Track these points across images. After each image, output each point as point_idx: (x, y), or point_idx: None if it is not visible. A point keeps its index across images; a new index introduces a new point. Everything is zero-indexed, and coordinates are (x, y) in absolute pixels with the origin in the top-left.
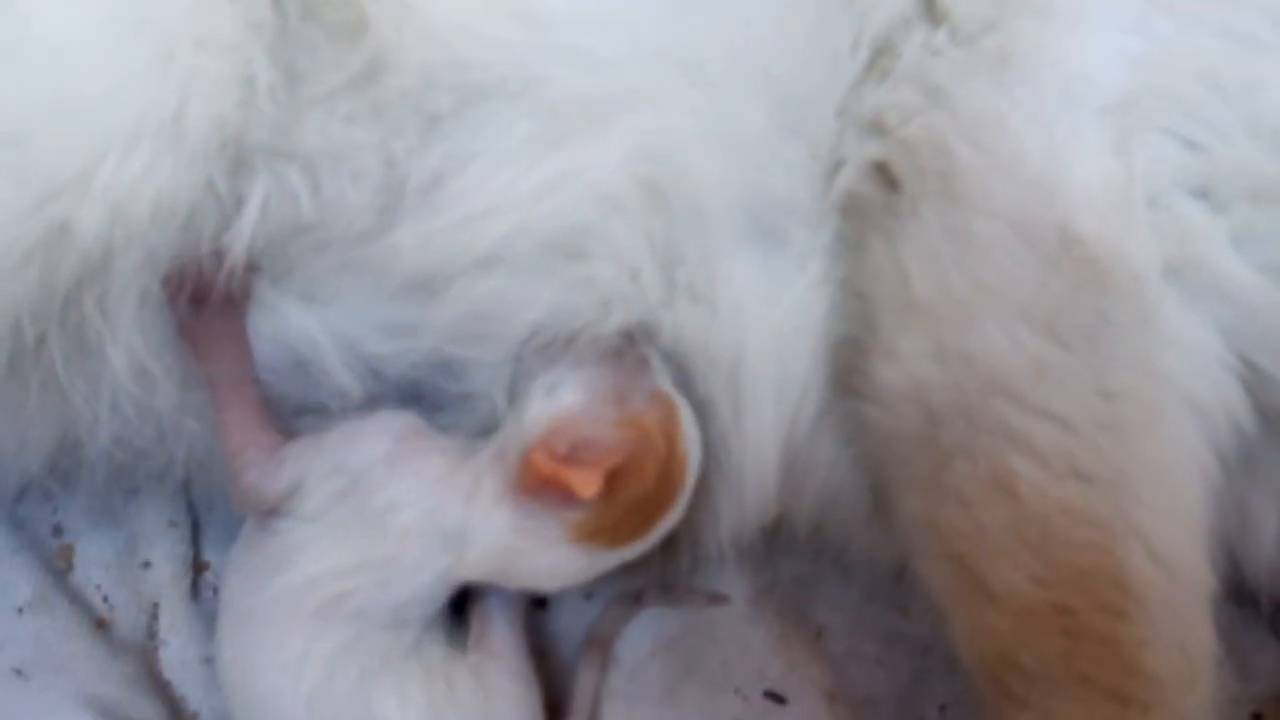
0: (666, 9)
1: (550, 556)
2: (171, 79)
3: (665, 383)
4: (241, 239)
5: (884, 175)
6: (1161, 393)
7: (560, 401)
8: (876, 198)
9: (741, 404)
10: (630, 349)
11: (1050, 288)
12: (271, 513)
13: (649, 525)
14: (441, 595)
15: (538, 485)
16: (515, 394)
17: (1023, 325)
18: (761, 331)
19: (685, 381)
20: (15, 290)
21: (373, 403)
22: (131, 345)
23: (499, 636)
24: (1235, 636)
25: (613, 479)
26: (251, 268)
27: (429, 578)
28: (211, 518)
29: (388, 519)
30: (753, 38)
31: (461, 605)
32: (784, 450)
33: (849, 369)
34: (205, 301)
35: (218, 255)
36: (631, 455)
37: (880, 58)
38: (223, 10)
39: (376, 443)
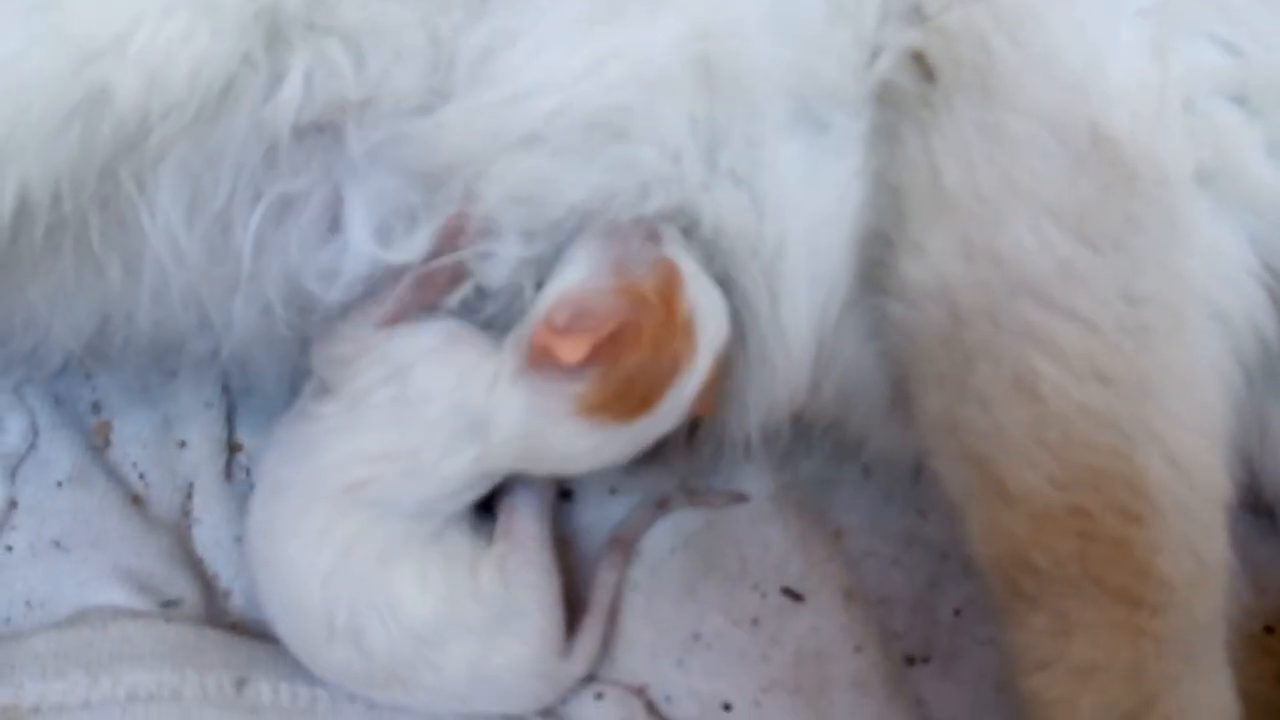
0: None
1: (562, 433)
2: None
3: (676, 251)
4: (285, 113)
5: (921, 65)
6: (1187, 299)
7: (566, 277)
8: (912, 88)
9: (779, 293)
10: (641, 221)
11: (1080, 188)
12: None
13: (654, 395)
14: (472, 488)
15: (537, 359)
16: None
17: (1051, 224)
18: (800, 219)
19: (721, 269)
20: (55, 155)
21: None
22: (170, 223)
23: (524, 528)
24: (1251, 549)
25: (609, 346)
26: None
27: (455, 470)
28: (247, 400)
29: (419, 410)
30: None
31: (489, 502)
32: (819, 348)
33: (877, 264)
34: None
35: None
36: (625, 322)
37: None
38: None
39: (426, 339)
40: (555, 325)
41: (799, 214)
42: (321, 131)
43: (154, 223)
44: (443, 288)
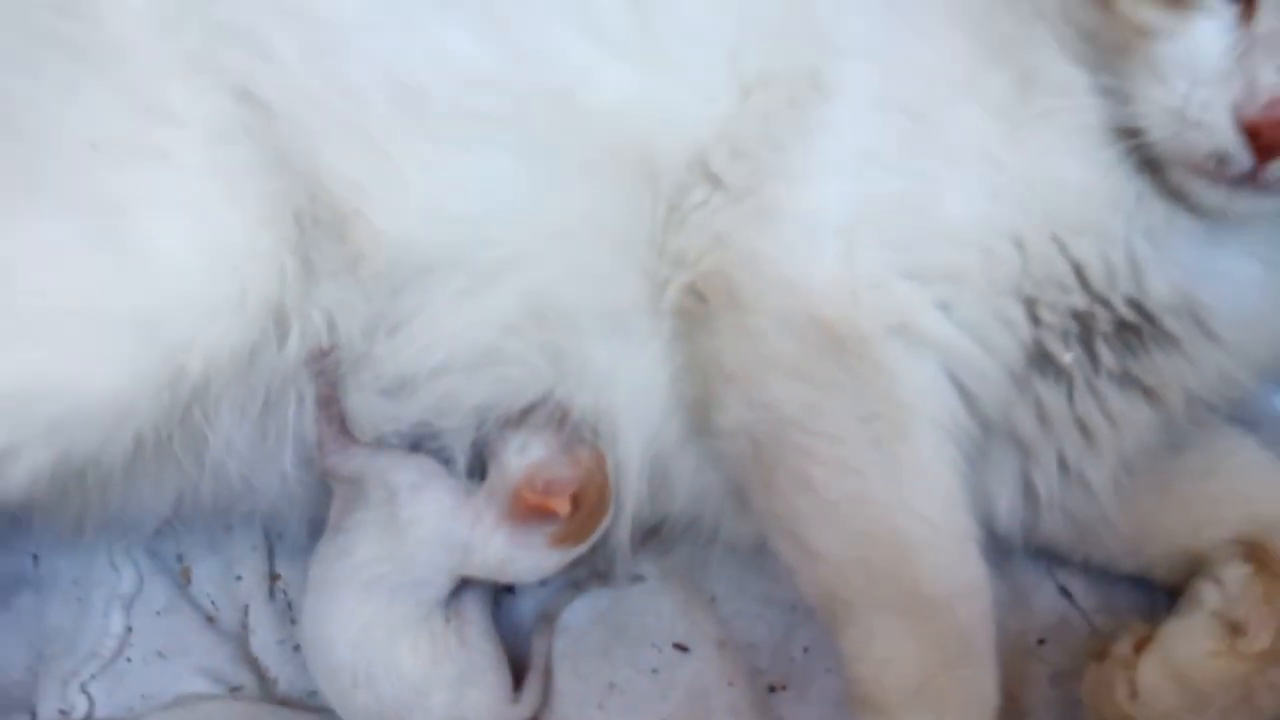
0: (546, 201)
1: (535, 558)
2: (237, 278)
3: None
4: (291, 357)
5: (695, 292)
6: (905, 413)
7: (530, 455)
8: (693, 307)
9: (615, 444)
10: (564, 418)
11: (808, 354)
12: (348, 487)
13: (597, 526)
14: (447, 585)
15: (528, 512)
16: (490, 453)
17: (795, 381)
18: (622, 393)
19: (576, 431)
20: (154, 410)
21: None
22: (226, 431)
23: (470, 607)
24: (1019, 580)
25: (575, 499)
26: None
27: (436, 571)
28: (282, 544)
29: (409, 529)
30: (597, 206)
31: None
32: (650, 472)
33: (704, 418)
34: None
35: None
36: (583, 484)
37: (672, 212)
38: (265, 232)
39: (408, 473)
40: (536, 488)
41: (621, 390)
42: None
43: (214, 433)
44: (334, 413)
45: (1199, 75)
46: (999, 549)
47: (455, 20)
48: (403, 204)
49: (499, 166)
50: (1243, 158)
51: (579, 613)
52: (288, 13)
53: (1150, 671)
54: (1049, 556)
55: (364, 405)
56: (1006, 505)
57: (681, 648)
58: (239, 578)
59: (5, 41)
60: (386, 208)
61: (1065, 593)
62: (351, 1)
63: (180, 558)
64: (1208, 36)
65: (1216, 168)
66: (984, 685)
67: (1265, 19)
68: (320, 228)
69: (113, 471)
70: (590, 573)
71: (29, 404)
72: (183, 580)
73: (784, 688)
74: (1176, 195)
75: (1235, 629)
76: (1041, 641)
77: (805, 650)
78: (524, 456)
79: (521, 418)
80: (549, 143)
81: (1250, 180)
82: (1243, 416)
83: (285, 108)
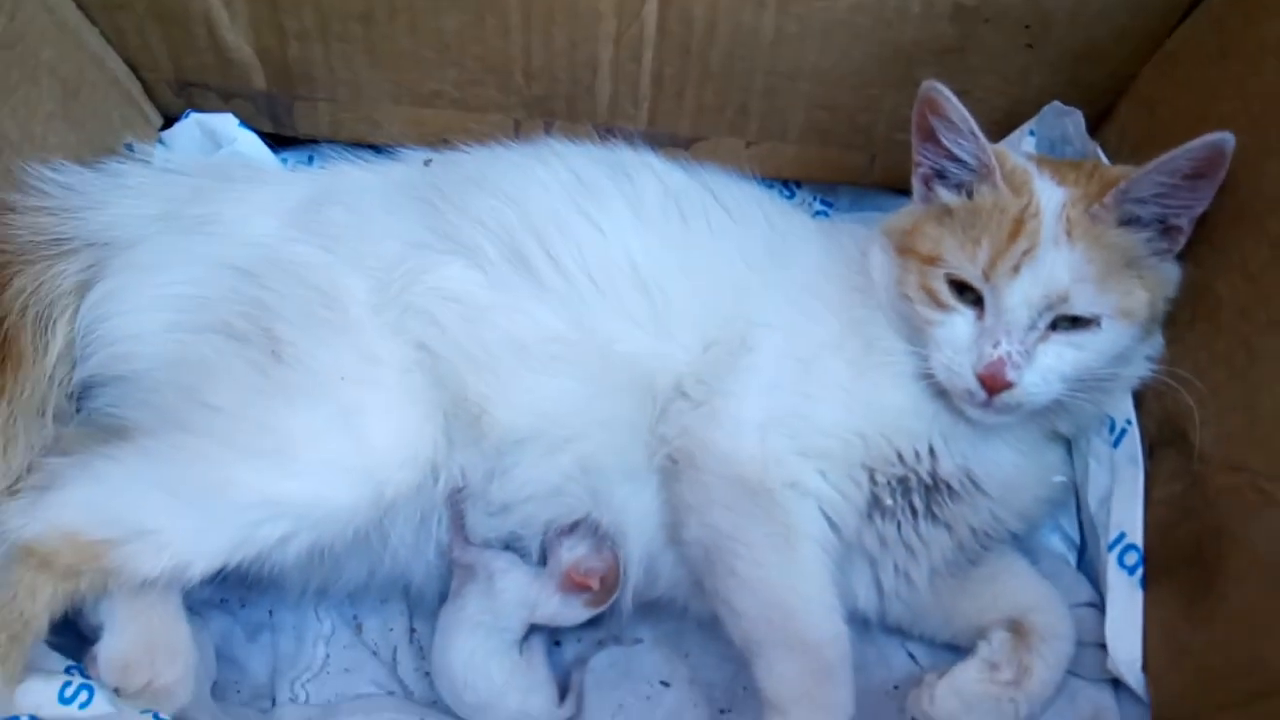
0: (592, 405)
1: (576, 613)
2: (414, 448)
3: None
4: (441, 491)
5: (672, 458)
6: (792, 533)
7: (577, 552)
8: (671, 467)
9: (625, 546)
10: (597, 529)
11: (735, 497)
12: (464, 569)
13: (613, 595)
14: (521, 630)
15: (575, 586)
16: (549, 549)
17: (728, 512)
18: (631, 516)
19: (603, 538)
20: (365, 518)
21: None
22: (401, 533)
23: (534, 646)
24: (881, 647)
25: (602, 580)
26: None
27: (516, 620)
28: (419, 609)
29: (501, 595)
30: (620, 409)
31: None
32: (646, 565)
33: (676, 533)
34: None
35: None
36: (607, 570)
37: (662, 412)
38: (429, 422)
39: (501, 562)
40: (580, 571)
41: (628, 514)
42: (455, 493)
43: (393, 533)
44: (459, 525)
45: (956, 347)
46: (865, 626)
47: (542, 304)
48: (510, 407)
49: (566, 385)
50: (980, 394)
51: (601, 660)
52: (448, 299)
53: (942, 689)
54: (899, 632)
55: (478, 521)
56: (864, 596)
57: (665, 684)
58: (391, 629)
59: (296, 318)
60: (500, 408)
61: (911, 656)
62: (486, 294)
63: (355, 616)
64: (959, 326)
65: (970, 398)
66: (844, 698)
67: (988, 318)
68: (459, 419)
69: (336, 552)
70: (608, 635)
71: (308, 510)
72: (357, 630)
73: (730, 711)
74: (957, 411)
75: (994, 668)
76: (896, 687)
77: (744, 688)
78: (573, 553)
79: (571, 529)
80: (596, 373)
81: (989, 405)
82: (1027, 548)
83: (445, 354)
